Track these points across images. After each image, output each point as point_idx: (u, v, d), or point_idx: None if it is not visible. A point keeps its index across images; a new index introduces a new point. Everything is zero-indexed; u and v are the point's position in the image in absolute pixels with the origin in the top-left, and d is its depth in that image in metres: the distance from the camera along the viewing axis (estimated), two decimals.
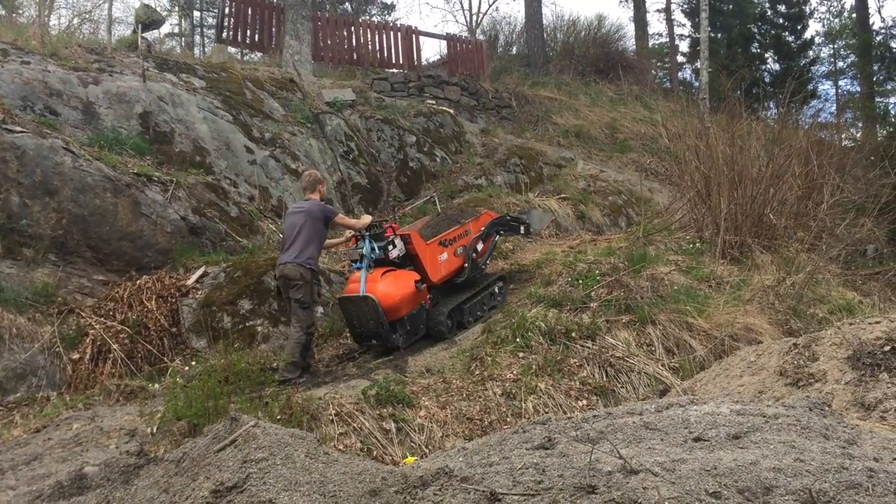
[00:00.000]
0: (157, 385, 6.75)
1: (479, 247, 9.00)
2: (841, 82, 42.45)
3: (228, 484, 3.08)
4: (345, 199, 11.89)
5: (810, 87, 34.26)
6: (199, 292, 8.16)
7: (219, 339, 7.54)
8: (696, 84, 33.19)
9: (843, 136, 18.10)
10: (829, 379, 4.47)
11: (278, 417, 5.19)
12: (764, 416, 3.22)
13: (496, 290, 9.02)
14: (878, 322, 4.98)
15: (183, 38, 32.35)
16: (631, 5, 31.06)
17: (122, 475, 3.79)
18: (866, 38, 21.76)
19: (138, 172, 8.83)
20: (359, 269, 7.59)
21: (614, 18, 59.79)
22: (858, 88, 40.61)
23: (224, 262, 8.60)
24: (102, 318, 7.77)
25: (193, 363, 7.03)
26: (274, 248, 9.44)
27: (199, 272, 8.42)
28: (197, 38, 33.46)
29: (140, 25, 12.55)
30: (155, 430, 5.14)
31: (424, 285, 7.83)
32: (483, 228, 9.13)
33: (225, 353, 6.77)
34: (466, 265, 8.65)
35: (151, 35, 16.43)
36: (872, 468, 2.75)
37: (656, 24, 48.20)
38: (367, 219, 7.97)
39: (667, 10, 30.44)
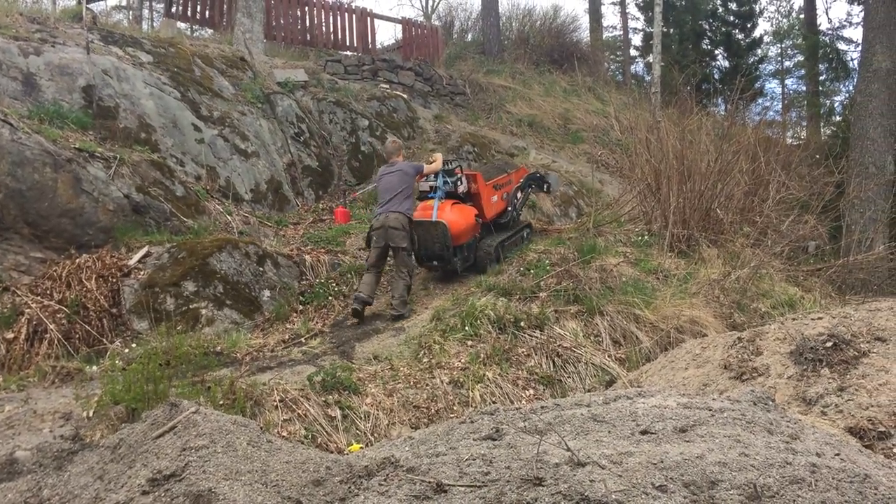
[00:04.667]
0: (94, 367, 6.53)
1: (519, 195, 10.37)
2: (787, 81, 43.36)
3: (166, 472, 2.98)
4: (294, 181, 11.72)
5: (758, 85, 34.92)
6: (142, 273, 7.95)
7: (161, 321, 7.34)
8: (648, 78, 33.56)
9: (789, 134, 18.50)
10: (772, 373, 4.54)
11: (221, 403, 5.07)
12: (710, 410, 3.24)
13: (524, 235, 10.30)
14: (820, 318, 5.07)
15: (131, 12, 31.44)
16: None
17: (56, 461, 3.66)
18: (813, 39, 22.16)
19: (80, 147, 8.53)
20: (430, 198, 8.81)
21: (570, 9, 59.93)
22: (804, 88, 41.59)
23: (168, 242, 8.38)
24: (39, 297, 7.50)
25: (134, 345, 6.83)
26: (220, 230, 9.27)
27: (142, 252, 8.19)
28: (145, 13, 32.56)
29: None
30: (91, 414, 4.97)
31: (479, 220, 9.13)
32: (521, 180, 10.53)
33: (167, 335, 6.62)
34: (510, 209, 10.01)
35: (98, 7, 15.96)
36: (815, 463, 2.79)
37: (611, 17, 48.53)
38: (440, 157, 9.10)
39: (622, 3, 30.60)
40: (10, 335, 7.08)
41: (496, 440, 3.22)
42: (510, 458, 2.98)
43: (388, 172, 8.44)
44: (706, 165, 9.07)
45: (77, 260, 7.89)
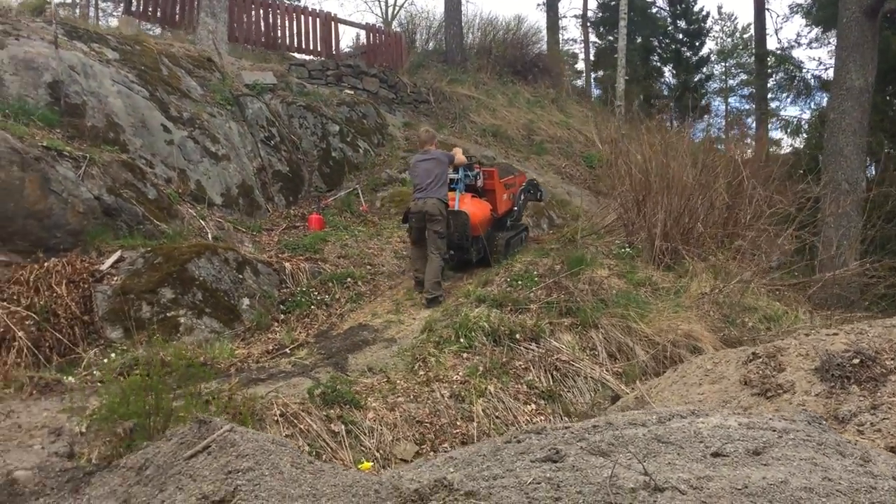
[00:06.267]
0: (72, 378, 6.18)
1: (522, 198, 10.86)
2: (730, 99, 44.47)
3: (214, 497, 2.75)
4: (265, 186, 11.40)
5: (704, 102, 35.66)
6: (115, 278, 7.56)
7: (136, 329, 7.01)
8: (598, 91, 33.97)
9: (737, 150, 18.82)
10: (798, 390, 4.49)
11: (223, 417, 4.80)
12: (774, 431, 3.15)
13: (523, 236, 10.81)
14: (835, 334, 5.05)
15: (78, 9, 30.54)
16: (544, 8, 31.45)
17: (71, 482, 3.37)
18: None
19: (48, 146, 8.10)
20: (452, 190, 9.05)
21: (532, 21, 59.75)
22: (747, 106, 42.73)
23: (143, 246, 8.00)
24: (5, 303, 7.05)
25: (113, 355, 6.47)
26: (194, 235, 8.94)
27: (115, 257, 7.81)
28: (91, 12, 31.60)
29: None
30: (84, 429, 4.65)
31: (493, 214, 9.69)
32: (524, 184, 11.07)
33: (149, 344, 6.31)
34: (516, 208, 10.55)
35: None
36: None
37: (572, 30, 48.58)
38: (460, 150, 9.59)
39: (583, 17, 30.91)
40: None
41: (557, 462, 3.07)
42: (579, 482, 2.83)
43: (424, 160, 8.71)
44: (692, 178, 9.11)
45: (46, 264, 7.46)
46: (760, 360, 4.89)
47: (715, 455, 2.94)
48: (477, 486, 2.97)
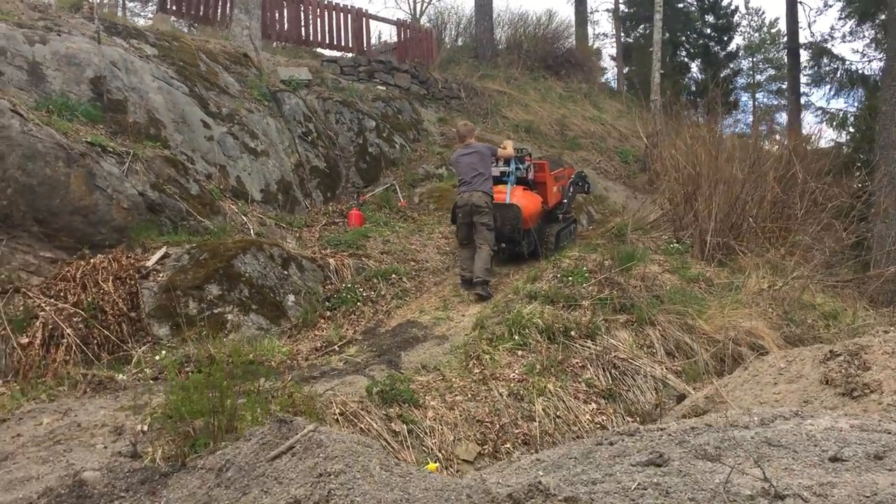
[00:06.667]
0: (123, 376, 6.10)
1: (571, 190, 10.82)
2: (758, 95, 43.96)
3: (307, 502, 2.61)
4: (303, 182, 11.29)
5: (732, 98, 35.24)
6: (161, 275, 7.48)
7: (184, 326, 6.91)
8: (625, 87, 33.59)
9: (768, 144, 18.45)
10: (886, 390, 4.28)
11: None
12: (890, 433, 2.97)
13: (572, 228, 10.75)
14: None
15: (107, 9, 30.69)
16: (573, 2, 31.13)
17: (145, 484, 3.25)
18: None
19: (92, 142, 8.04)
20: (504, 182, 9.21)
21: (564, 16, 59.10)
22: (775, 101, 42.21)
23: (187, 242, 7.93)
24: (53, 300, 7.00)
25: (163, 353, 6.39)
26: (237, 230, 8.85)
27: (160, 253, 7.73)
28: (119, 12, 31.76)
29: None
30: (146, 428, 4.55)
31: (544, 207, 9.72)
32: (572, 177, 11.03)
33: (199, 341, 6.21)
34: (565, 200, 10.54)
35: None
36: None
37: (604, 24, 48.00)
38: (510, 143, 9.43)
39: (615, 11, 30.56)
40: (25, 340, 6.58)
41: (661, 466, 2.90)
42: (690, 489, 2.67)
43: (467, 153, 8.66)
44: (744, 173, 8.89)
45: (92, 260, 7.41)
46: (841, 358, 4.68)
47: (833, 459, 2.76)
48: (576, 492, 2.81)
